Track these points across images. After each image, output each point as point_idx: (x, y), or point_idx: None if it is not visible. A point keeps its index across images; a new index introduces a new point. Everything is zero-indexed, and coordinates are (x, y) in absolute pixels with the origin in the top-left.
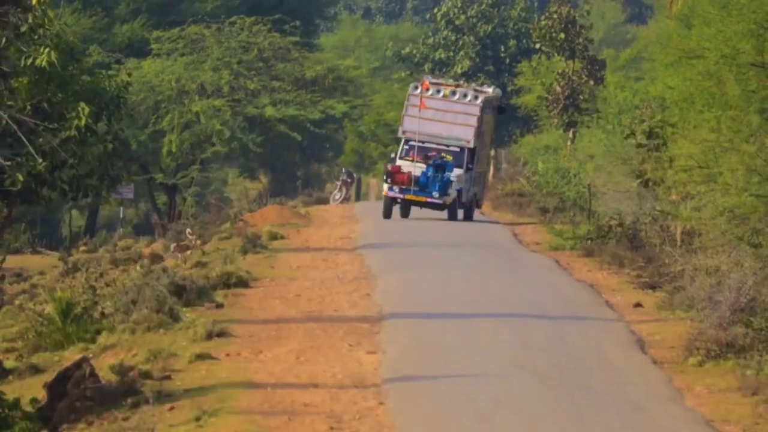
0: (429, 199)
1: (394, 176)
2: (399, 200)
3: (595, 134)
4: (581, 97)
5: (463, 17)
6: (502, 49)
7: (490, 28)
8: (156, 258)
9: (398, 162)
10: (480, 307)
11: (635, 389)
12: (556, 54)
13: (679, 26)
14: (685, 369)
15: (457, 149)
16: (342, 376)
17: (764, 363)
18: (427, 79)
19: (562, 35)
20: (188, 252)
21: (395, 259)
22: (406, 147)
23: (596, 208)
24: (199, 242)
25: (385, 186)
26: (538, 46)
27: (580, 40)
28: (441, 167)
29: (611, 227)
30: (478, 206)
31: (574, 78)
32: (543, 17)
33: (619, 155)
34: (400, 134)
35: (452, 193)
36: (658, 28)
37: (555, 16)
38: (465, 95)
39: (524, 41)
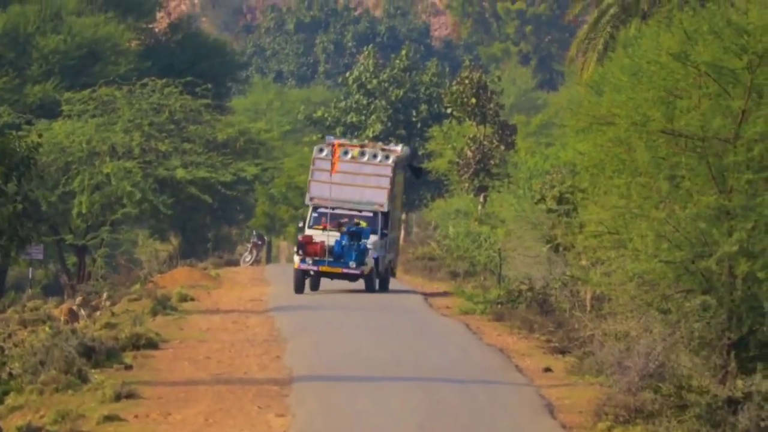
0: (345, 270)
1: (306, 247)
2: (312, 272)
3: (506, 199)
4: (492, 161)
5: (375, 81)
6: (414, 113)
7: (401, 93)
8: (72, 314)
9: (308, 231)
10: (390, 371)
11: None
12: (467, 119)
13: (589, 93)
14: None
15: (371, 214)
16: None
17: (672, 429)
18: (331, 140)
19: (474, 100)
20: (97, 312)
21: (306, 322)
22: (315, 214)
23: (507, 273)
24: (108, 303)
25: (296, 258)
26: (449, 110)
27: (492, 105)
28: (356, 235)
29: (521, 292)
30: (393, 274)
31: (485, 143)
32: (454, 82)
33: (530, 220)
34: (307, 201)
35: (369, 262)
36: (569, 95)
37: (466, 81)
38: (375, 155)
39: (436, 106)
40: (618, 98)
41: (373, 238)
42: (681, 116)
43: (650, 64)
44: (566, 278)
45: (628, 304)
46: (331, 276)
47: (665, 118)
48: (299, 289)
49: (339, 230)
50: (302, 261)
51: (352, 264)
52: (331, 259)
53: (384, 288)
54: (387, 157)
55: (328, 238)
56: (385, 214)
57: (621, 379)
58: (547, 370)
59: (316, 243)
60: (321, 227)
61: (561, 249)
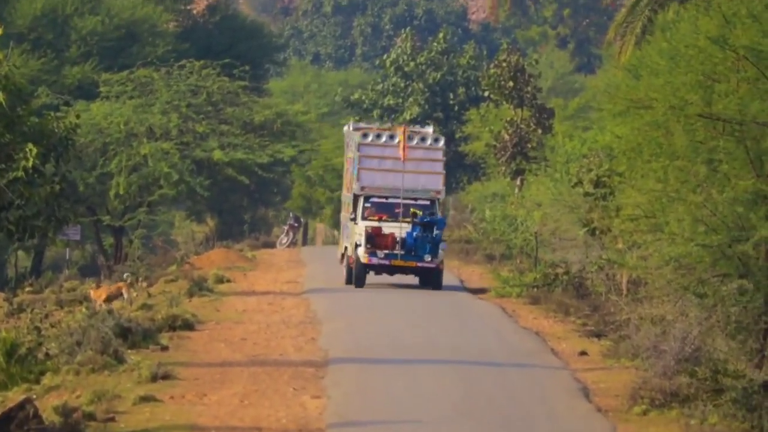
0: (420, 264)
1: (375, 239)
2: (380, 267)
3: (543, 182)
4: (529, 145)
5: (412, 64)
6: (451, 96)
7: (439, 76)
8: (115, 294)
9: (362, 223)
10: (425, 354)
11: None
12: (504, 102)
13: (627, 76)
14: (629, 418)
15: (427, 202)
16: (286, 421)
17: (708, 413)
18: (359, 126)
19: (511, 83)
20: (134, 294)
21: (341, 304)
22: (368, 205)
23: (543, 256)
24: (144, 284)
25: (361, 252)
26: (486, 93)
27: (529, 88)
28: (429, 225)
29: (557, 275)
30: None
31: (522, 126)
32: (492, 65)
33: (567, 204)
34: (357, 191)
35: (441, 255)
36: (606, 78)
37: (504, 64)
38: (424, 139)
39: (473, 89)
40: (656, 82)
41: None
42: (719, 100)
43: (688, 48)
44: (602, 262)
45: (664, 288)
46: (405, 271)
47: (703, 102)
48: (361, 283)
49: (411, 221)
50: (371, 254)
51: (428, 257)
52: (403, 252)
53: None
54: (437, 140)
55: (401, 229)
56: (438, 202)
57: (657, 362)
58: (583, 353)
59: (386, 235)
60: (375, 218)
61: (597, 232)
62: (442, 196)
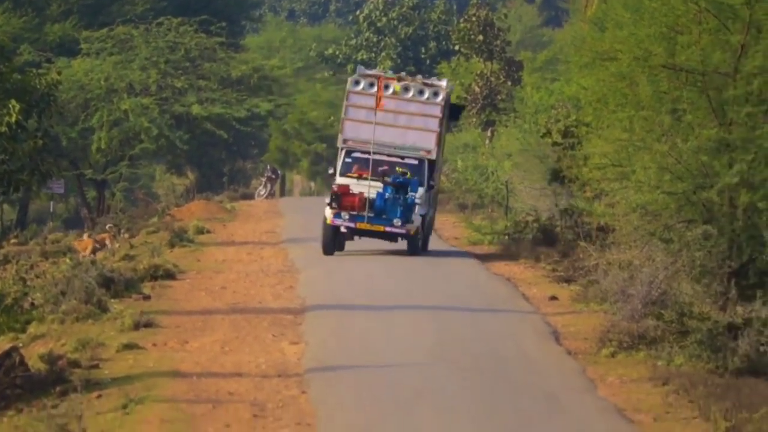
0: (388, 228)
1: (341, 199)
2: (345, 229)
3: (513, 133)
4: (499, 97)
5: (384, 19)
6: (423, 50)
7: (411, 30)
8: (99, 243)
9: (340, 180)
10: (400, 300)
11: (550, 379)
12: (474, 55)
13: (593, 29)
14: (598, 360)
15: (415, 161)
16: (266, 366)
17: (674, 354)
18: (364, 71)
19: (481, 37)
20: (117, 245)
21: (318, 252)
22: (349, 160)
23: (513, 205)
24: (127, 236)
25: (328, 211)
26: (457, 47)
27: (498, 42)
28: (403, 186)
29: (527, 223)
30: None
31: (492, 79)
32: (462, 20)
33: (536, 153)
34: (339, 143)
35: (416, 219)
36: (573, 31)
37: (474, 18)
38: (421, 92)
39: (444, 43)
40: (620, 34)
41: (419, 191)
42: (682, 51)
43: (652, 0)
44: (572, 209)
45: (631, 234)
46: (371, 234)
47: (666, 53)
48: (330, 249)
49: (382, 180)
50: (336, 215)
51: (397, 222)
52: (372, 215)
53: (424, 248)
54: (436, 94)
55: (369, 189)
56: (432, 163)
57: (624, 306)
58: (553, 298)
59: (353, 194)
60: (355, 175)
61: (566, 181)
62: (432, 156)
